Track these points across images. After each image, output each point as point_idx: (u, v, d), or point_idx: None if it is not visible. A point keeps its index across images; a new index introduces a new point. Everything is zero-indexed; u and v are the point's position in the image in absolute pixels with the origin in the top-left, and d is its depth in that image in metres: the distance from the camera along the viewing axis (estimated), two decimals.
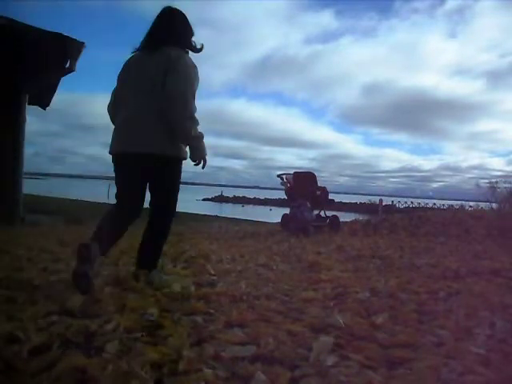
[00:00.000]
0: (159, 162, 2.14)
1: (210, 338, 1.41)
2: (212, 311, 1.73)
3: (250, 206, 32.85)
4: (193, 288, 2.12)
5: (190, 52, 2.35)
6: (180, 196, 2.34)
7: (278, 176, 7.45)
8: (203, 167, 2.23)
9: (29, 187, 10.64)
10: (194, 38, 2.38)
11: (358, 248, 4.32)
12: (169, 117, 2.10)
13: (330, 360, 1.25)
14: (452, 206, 13.79)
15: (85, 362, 1.17)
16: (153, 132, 2.12)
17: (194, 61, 2.27)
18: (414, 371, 1.20)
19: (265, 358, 1.25)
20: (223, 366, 1.19)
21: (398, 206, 25.55)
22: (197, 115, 2.15)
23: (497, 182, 8.73)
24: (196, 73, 2.19)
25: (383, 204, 13.79)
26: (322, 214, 7.35)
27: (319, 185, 7.36)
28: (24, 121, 6.75)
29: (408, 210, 18.60)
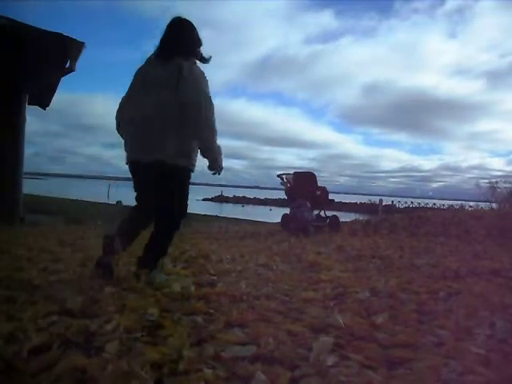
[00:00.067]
0: (170, 171, 2.23)
1: (210, 337, 1.41)
2: (212, 311, 1.73)
3: (250, 205, 32.84)
4: (193, 288, 2.12)
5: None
6: None
7: (278, 176, 7.45)
8: (219, 174, 2.36)
9: (29, 187, 10.65)
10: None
11: (358, 248, 4.32)
12: (198, 134, 2.22)
13: (330, 360, 1.25)
14: (452, 205, 13.79)
15: (85, 362, 1.17)
16: (165, 142, 2.20)
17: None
18: (414, 371, 1.20)
19: (265, 358, 1.25)
20: (223, 365, 1.19)
21: (397, 206, 25.55)
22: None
23: (497, 182, 8.74)
24: (207, 80, 2.27)
25: (383, 204, 13.80)
26: (322, 213, 7.35)
27: (319, 185, 7.36)
28: (24, 121, 6.75)
29: (408, 210, 18.60)
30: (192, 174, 2.38)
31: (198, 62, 2.39)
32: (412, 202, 27.16)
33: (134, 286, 2.10)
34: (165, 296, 1.94)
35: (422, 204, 24.39)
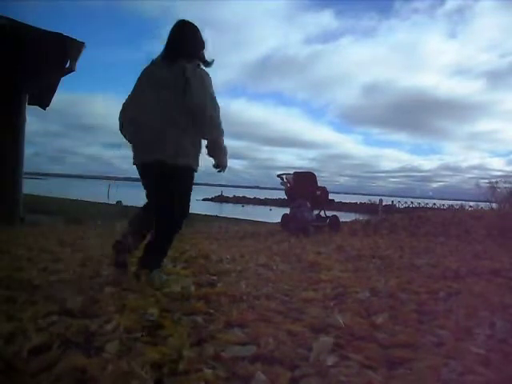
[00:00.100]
0: (170, 171, 2.24)
1: (210, 337, 1.41)
2: (212, 311, 1.73)
3: (250, 205, 32.83)
4: (193, 288, 2.12)
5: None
6: None
7: (278, 176, 7.44)
8: (224, 172, 2.41)
9: (29, 187, 10.64)
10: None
11: (358, 248, 4.32)
12: (207, 133, 2.28)
13: (330, 360, 1.25)
14: (452, 205, 13.79)
15: (85, 362, 1.17)
16: (165, 142, 2.22)
17: None
18: (414, 371, 1.20)
19: (265, 358, 1.25)
20: (223, 365, 1.19)
21: (397, 206, 25.55)
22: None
23: (497, 182, 8.75)
24: (211, 81, 2.31)
25: (383, 204, 13.80)
26: (322, 213, 7.35)
27: (319, 185, 7.36)
28: (24, 121, 6.75)
29: (408, 210, 18.60)
30: (195, 173, 2.40)
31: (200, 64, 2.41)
32: (412, 202, 27.16)
33: (133, 286, 2.10)
34: (165, 296, 1.94)
35: (422, 204, 24.38)
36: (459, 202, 12.82)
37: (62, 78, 6.85)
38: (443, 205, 19.19)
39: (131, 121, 2.37)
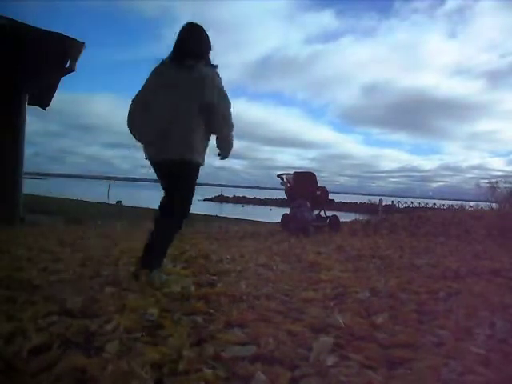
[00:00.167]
0: (177, 169, 2.33)
1: (210, 337, 1.41)
2: (212, 311, 1.73)
3: (250, 206, 32.81)
4: (193, 288, 2.12)
5: None
6: None
7: (278, 176, 7.44)
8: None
9: (29, 187, 10.64)
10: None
11: (358, 248, 4.32)
12: (221, 133, 2.41)
13: (330, 360, 1.25)
14: (452, 206, 13.78)
15: (85, 362, 1.17)
16: (182, 141, 2.30)
17: None
18: (414, 371, 1.20)
19: (265, 358, 1.25)
20: (223, 365, 1.19)
21: (397, 206, 25.53)
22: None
23: (497, 182, 8.74)
24: (221, 79, 2.42)
25: (383, 204, 13.79)
26: (322, 213, 7.35)
27: (319, 185, 7.35)
28: (24, 121, 6.75)
29: (408, 210, 18.59)
30: (199, 171, 2.47)
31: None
32: (412, 202, 27.14)
33: (133, 286, 2.10)
34: (165, 296, 1.94)
35: (422, 204, 24.37)
36: (459, 202, 12.82)
37: (62, 78, 6.85)
38: (443, 205, 19.18)
39: (141, 120, 2.43)
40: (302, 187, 7.01)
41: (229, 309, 1.77)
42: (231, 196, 42.92)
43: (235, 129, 2.44)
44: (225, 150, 2.47)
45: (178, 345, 1.31)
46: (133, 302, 1.79)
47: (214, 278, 2.47)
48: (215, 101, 2.32)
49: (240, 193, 48.30)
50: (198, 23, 2.51)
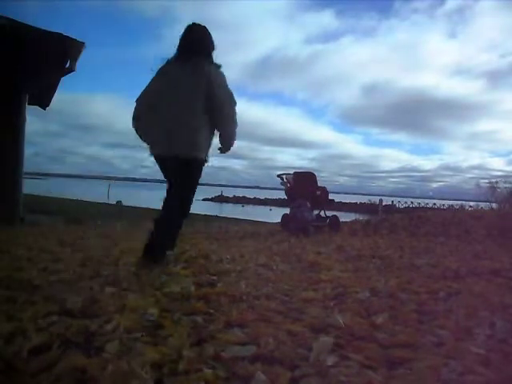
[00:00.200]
0: (187, 164, 2.40)
1: (210, 337, 1.41)
2: (212, 311, 1.73)
3: (250, 206, 32.82)
4: (193, 288, 2.11)
5: None
6: None
7: (278, 176, 7.44)
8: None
9: (29, 187, 10.64)
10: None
11: (358, 248, 4.32)
12: (224, 130, 2.48)
13: (330, 360, 1.25)
14: (452, 205, 13.79)
15: (85, 362, 1.17)
16: (187, 139, 2.37)
17: None
18: (414, 371, 1.20)
19: (265, 358, 1.25)
20: (223, 366, 1.19)
21: (397, 206, 25.54)
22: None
23: (497, 182, 8.75)
24: (226, 79, 2.50)
25: (383, 204, 13.80)
26: (322, 213, 7.35)
27: (319, 185, 7.36)
28: (24, 121, 6.75)
29: (408, 210, 18.60)
30: (203, 168, 2.55)
31: None
32: (412, 202, 27.16)
33: (133, 286, 2.10)
34: (165, 296, 1.93)
35: (422, 204, 24.39)
36: (459, 202, 12.83)
37: (62, 78, 6.86)
38: (443, 205, 19.20)
39: (146, 120, 2.48)
40: (302, 187, 7.01)
41: (229, 309, 1.77)
42: (231, 196, 42.94)
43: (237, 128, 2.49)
44: (226, 146, 2.53)
45: (178, 345, 1.31)
46: (133, 301, 1.79)
47: (214, 278, 2.47)
48: (220, 99, 2.36)
49: (240, 193, 48.31)
50: (202, 24, 2.56)
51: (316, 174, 7.55)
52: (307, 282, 2.47)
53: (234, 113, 2.47)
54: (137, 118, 2.52)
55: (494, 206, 8.33)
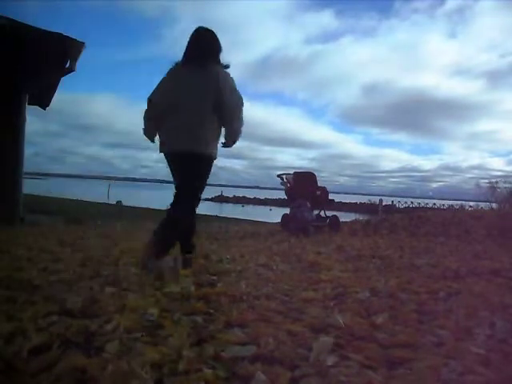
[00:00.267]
0: (205, 160, 2.52)
1: (210, 337, 1.41)
2: (212, 311, 1.73)
3: (250, 206, 32.83)
4: (193, 288, 2.11)
5: None
6: None
7: (278, 176, 7.44)
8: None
9: (29, 187, 10.64)
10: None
11: (358, 248, 4.32)
12: (231, 127, 2.57)
13: (330, 360, 1.25)
14: (452, 206, 13.80)
15: (85, 362, 1.17)
16: (205, 136, 2.47)
17: None
18: (414, 371, 1.20)
19: (265, 358, 1.25)
20: (223, 366, 1.19)
21: (397, 206, 25.54)
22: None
23: (497, 182, 8.75)
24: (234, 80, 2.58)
25: (383, 204, 13.80)
26: (322, 213, 7.35)
27: (319, 185, 7.36)
28: (24, 121, 6.76)
29: (408, 210, 18.60)
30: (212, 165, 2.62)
31: None
32: (412, 202, 27.16)
33: (133, 286, 2.10)
34: (165, 296, 1.93)
35: (422, 204, 24.39)
36: (459, 202, 12.83)
37: (62, 78, 6.86)
38: (443, 205, 19.20)
39: (156, 122, 2.57)
40: (302, 187, 7.02)
41: (229, 309, 1.77)
42: (231, 196, 42.93)
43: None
44: (230, 142, 2.60)
45: (178, 345, 1.31)
46: (133, 302, 1.79)
47: (214, 278, 2.47)
48: (228, 100, 2.43)
49: (240, 193, 48.31)
50: (209, 28, 2.64)
51: (316, 174, 7.57)
52: (307, 281, 2.47)
53: (240, 112, 2.55)
54: (149, 119, 2.60)
55: (494, 205, 8.34)
